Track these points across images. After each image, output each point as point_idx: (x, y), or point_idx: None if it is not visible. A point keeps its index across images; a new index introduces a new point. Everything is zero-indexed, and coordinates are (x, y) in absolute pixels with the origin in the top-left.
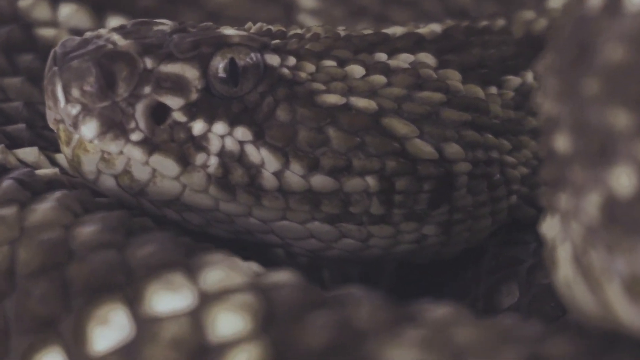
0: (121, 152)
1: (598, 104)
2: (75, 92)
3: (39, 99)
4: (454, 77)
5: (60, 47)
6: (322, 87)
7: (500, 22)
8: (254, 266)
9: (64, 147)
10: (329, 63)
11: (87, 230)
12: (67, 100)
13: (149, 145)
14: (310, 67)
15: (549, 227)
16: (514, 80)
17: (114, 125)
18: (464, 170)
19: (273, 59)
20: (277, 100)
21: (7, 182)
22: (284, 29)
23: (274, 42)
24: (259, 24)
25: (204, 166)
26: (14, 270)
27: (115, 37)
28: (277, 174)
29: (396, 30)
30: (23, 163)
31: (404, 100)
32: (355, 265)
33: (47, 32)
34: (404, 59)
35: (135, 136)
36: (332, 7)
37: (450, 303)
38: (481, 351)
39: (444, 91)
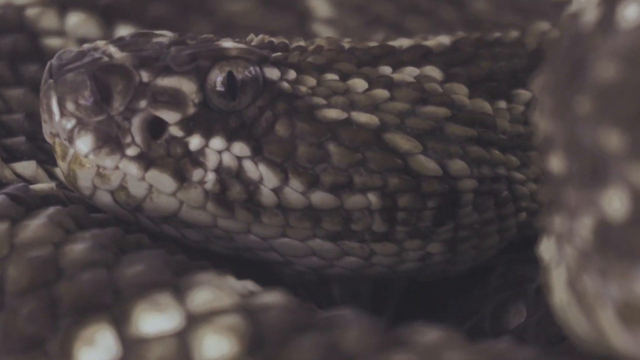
0: (117, 167)
1: (590, 123)
2: (70, 106)
3: None
4: (460, 91)
5: (56, 59)
6: (322, 101)
7: (514, 34)
8: (249, 285)
9: (60, 162)
10: (331, 77)
11: (78, 248)
12: (62, 114)
13: (145, 161)
14: (311, 81)
15: (546, 249)
16: (525, 94)
17: (110, 139)
18: (470, 187)
19: (272, 73)
20: (276, 114)
21: (0, 198)
22: (286, 41)
23: (274, 55)
24: (260, 36)
25: (201, 182)
26: (3, 288)
27: (112, 49)
28: (276, 191)
29: (403, 42)
30: (20, 177)
31: (408, 115)
32: (365, 282)
33: (53, 42)
34: (409, 73)
35: (131, 151)
36: (347, 17)
37: (441, 327)
38: None
39: (449, 106)
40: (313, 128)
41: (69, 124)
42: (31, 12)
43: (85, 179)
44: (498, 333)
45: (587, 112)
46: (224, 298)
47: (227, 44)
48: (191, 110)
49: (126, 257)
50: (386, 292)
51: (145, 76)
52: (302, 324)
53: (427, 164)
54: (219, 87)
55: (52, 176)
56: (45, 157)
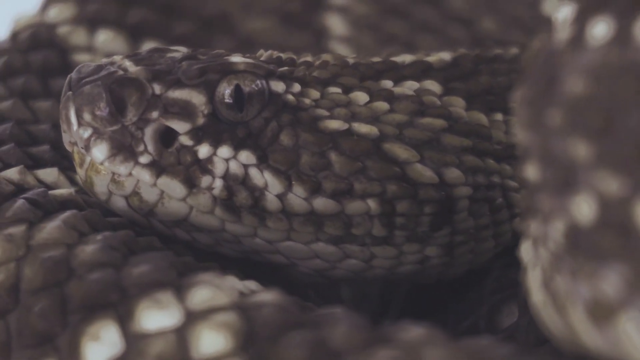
0: (130, 174)
1: (561, 135)
2: (87, 116)
3: None
4: (457, 104)
5: (75, 72)
6: (325, 113)
7: (513, 51)
8: (252, 285)
9: (78, 169)
10: (334, 90)
11: (88, 249)
12: (80, 123)
13: (157, 168)
14: (315, 94)
15: (525, 252)
16: None
17: (124, 148)
18: (465, 194)
19: (278, 86)
20: (281, 125)
21: (19, 202)
22: (294, 56)
23: (281, 69)
24: (269, 52)
25: (210, 188)
26: (18, 286)
27: (127, 63)
28: (280, 197)
29: (405, 58)
30: (42, 183)
31: (406, 126)
32: (373, 283)
33: (82, 58)
34: (409, 86)
35: (144, 159)
36: (363, 35)
37: (425, 325)
38: None
39: (446, 118)
40: (316, 138)
41: (86, 133)
42: (62, 30)
43: (101, 185)
44: (492, 332)
45: (558, 124)
46: (222, 297)
47: (236, 58)
48: (200, 120)
49: (134, 258)
50: (393, 293)
51: (157, 89)
52: (293, 322)
53: (424, 172)
54: (227, 99)
55: (73, 182)
56: (68, 164)
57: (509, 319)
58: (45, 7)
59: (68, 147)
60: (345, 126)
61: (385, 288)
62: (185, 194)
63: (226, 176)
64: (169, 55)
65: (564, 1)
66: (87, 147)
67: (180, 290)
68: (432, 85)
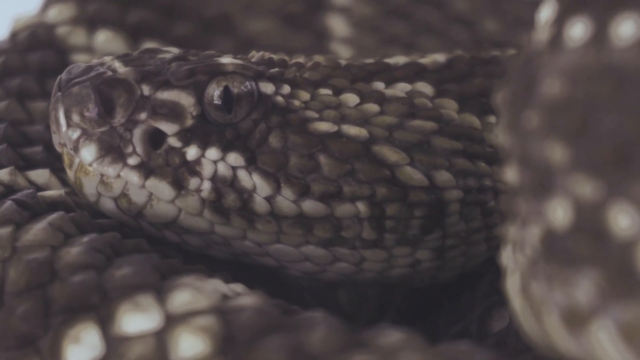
0: (119, 176)
1: (538, 138)
2: (75, 117)
3: None
4: (449, 107)
5: (65, 73)
6: (315, 114)
7: (511, 52)
8: (238, 288)
9: (67, 170)
10: (325, 91)
11: (73, 251)
12: (69, 125)
13: (145, 170)
14: (305, 95)
15: (505, 257)
16: None
17: (112, 149)
18: (455, 197)
19: (267, 87)
20: (270, 127)
21: (7, 204)
22: (286, 58)
23: (271, 70)
24: (260, 53)
25: (198, 190)
26: (3, 288)
27: (117, 64)
28: (269, 199)
29: (399, 60)
30: (33, 184)
31: (396, 128)
32: (372, 286)
33: (82, 58)
34: (401, 88)
35: (133, 160)
36: (364, 36)
37: (405, 330)
38: None
39: (437, 120)
40: (304, 140)
41: (75, 134)
42: (61, 30)
43: (90, 187)
44: (483, 336)
45: (535, 126)
46: (202, 300)
47: (225, 60)
48: (189, 122)
49: (117, 261)
50: (391, 296)
51: (146, 90)
52: (272, 325)
53: (414, 175)
54: (216, 101)
55: (65, 183)
56: (61, 165)
57: (499, 323)
58: (45, 8)
59: (58, 148)
60: (334, 128)
61: (383, 291)
62: (174, 195)
63: (214, 178)
64: (160, 56)
65: (547, 1)
66: (76, 148)
67: (161, 293)
68: (424, 87)
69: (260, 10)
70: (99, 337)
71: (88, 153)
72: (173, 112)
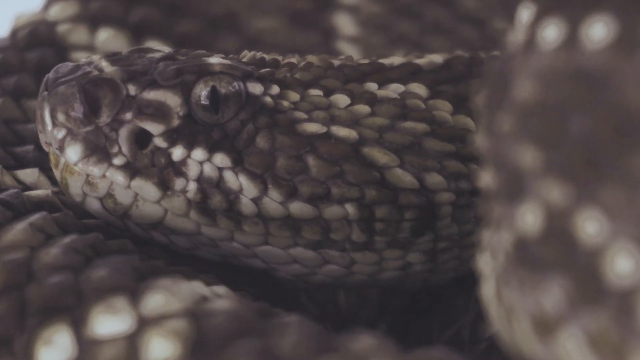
0: (104, 176)
1: (510, 141)
2: (61, 117)
3: None
4: (443, 108)
5: (53, 72)
6: (304, 115)
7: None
8: (220, 290)
9: (54, 170)
10: (315, 92)
11: (51, 252)
12: (54, 124)
13: (131, 170)
14: (295, 96)
15: (481, 262)
16: None
17: (98, 149)
18: (447, 200)
19: (255, 88)
20: (257, 127)
21: None
22: (278, 58)
23: (261, 70)
24: (252, 52)
25: (184, 191)
26: None
27: (104, 63)
28: (256, 200)
29: (394, 60)
30: (22, 183)
31: (387, 129)
32: (372, 288)
33: (82, 56)
34: (394, 89)
35: (118, 160)
36: (371, 35)
37: (378, 335)
38: None
39: (429, 122)
40: (293, 141)
41: (60, 134)
42: (62, 27)
43: (75, 187)
44: (475, 341)
45: (507, 129)
46: (175, 303)
47: (213, 60)
48: (175, 122)
49: (96, 262)
50: (391, 298)
51: (132, 89)
52: (244, 329)
53: (404, 177)
54: (203, 101)
55: (54, 183)
56: None
57: (492, 327)
58: (47, 5)
59: (45, 148)
60: (323, 129)
61: (384, 293)
62: (160, 196)
63: (200, 179)
64: (149, 55)
65: (525, 2)
66: (61, 148)
67: (135, 296)
68: (418, 89)
69: (267, 8)
70: (71, 339)
71: (73, 153)
72: (159, 112)
